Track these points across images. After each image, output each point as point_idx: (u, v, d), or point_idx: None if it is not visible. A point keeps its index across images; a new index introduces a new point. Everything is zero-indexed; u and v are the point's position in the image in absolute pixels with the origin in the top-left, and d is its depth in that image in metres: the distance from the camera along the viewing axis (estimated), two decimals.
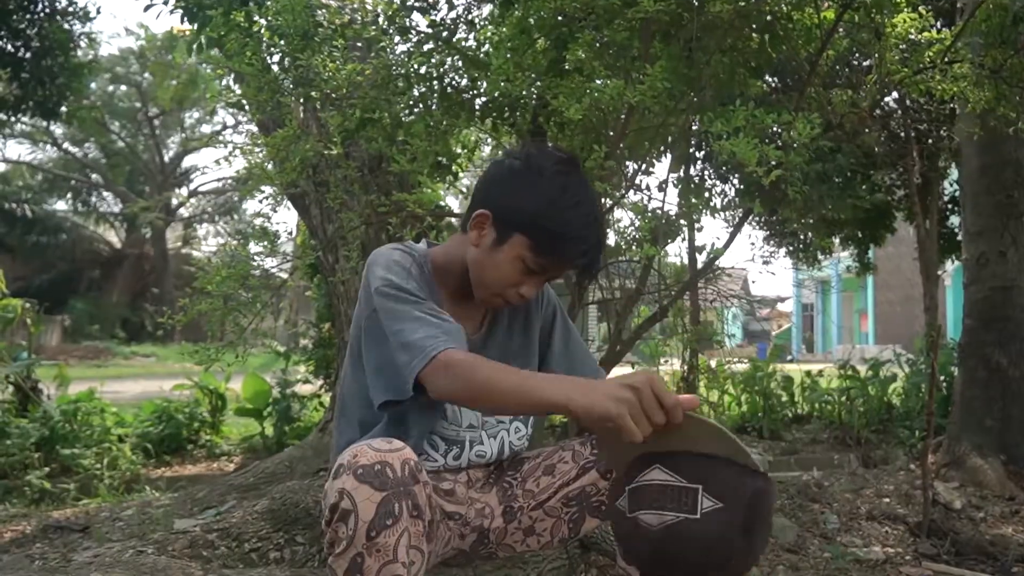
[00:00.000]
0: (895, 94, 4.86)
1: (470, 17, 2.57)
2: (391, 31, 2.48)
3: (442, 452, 1.45)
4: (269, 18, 2.38)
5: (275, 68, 2.47)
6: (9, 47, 5.90)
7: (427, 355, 1.21)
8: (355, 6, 2.55)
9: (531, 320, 1.54)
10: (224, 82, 3.05)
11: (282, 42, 2.36)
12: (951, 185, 6.95)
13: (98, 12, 6.29)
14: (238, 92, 2.74)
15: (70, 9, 6.03)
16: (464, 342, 1.29)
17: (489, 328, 1.49)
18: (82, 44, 6.38)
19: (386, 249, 1.43)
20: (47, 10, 5.94)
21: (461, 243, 1.44)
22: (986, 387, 3.56)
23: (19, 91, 6.14)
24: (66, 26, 6.03)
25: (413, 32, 2.51)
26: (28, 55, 5.96)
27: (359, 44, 2.64)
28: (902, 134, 5.89)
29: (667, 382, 6.14)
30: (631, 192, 2.76)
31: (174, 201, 26.71)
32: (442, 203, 3.94)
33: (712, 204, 2.80)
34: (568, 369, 1.55)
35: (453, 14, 2.53)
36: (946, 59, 2.71)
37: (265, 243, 2.65)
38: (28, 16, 5.88)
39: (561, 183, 1.36)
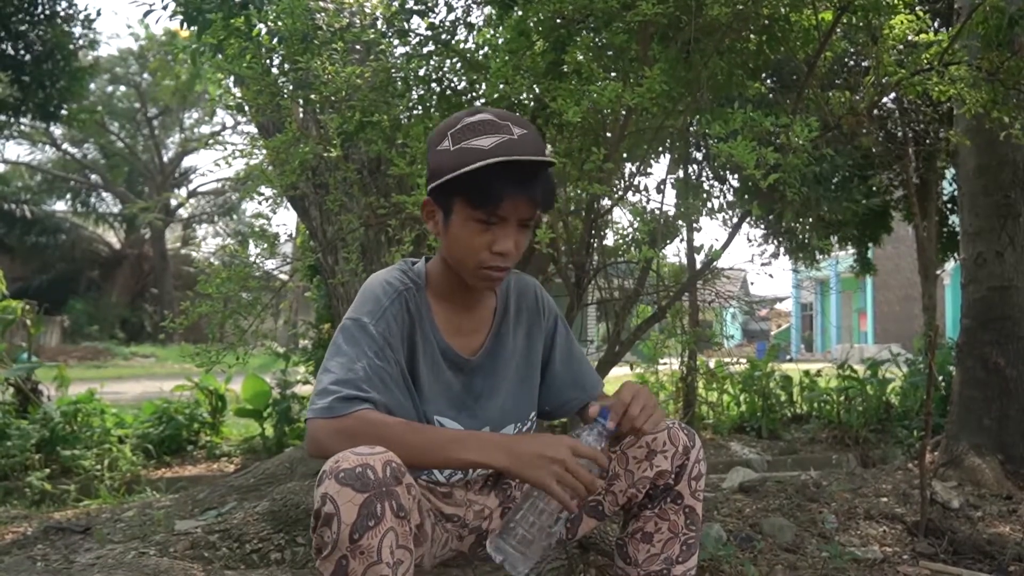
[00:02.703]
0: (892, 95, 4.88)
1: (469, 20, 2.58)
2: (390, 34, 2.49)
3: (446, 475, 1.45)
4: (268, 22, 2.39)
5: (274, 71, 2.48)
6: (10, 50, 5.91)
7: (327, 407, 1.23)
8: (354, 9, 2.56)
9: (534, 332, 1.53)
10: (224, 84, 3.06)
11: (281, 45, 2.37)
12: (950, 185, 6.97)
13: (98, 14, 6.29)
14: (238, 95, 2.75)
15: (70, 13, 6.05)
16: (390, 391, 1.30)
17: (492, 344, 1.48)
18: (83, 46, 6.39)
19: (379, 277, 1.42)
20: (47, 13, 5.95)
21: (440, 256, 1.44)
22: (984, 387, 3.57)
23: (19, 93, 6.16)
24: (66, 29, 6.04)
25: (412, 35, 2.52)
26: (29, 58, 5.97)
27: (358, 47, 2.65)
28: (899, 135, 5.90)
29: (666, 383, 6.17)
30: (629, 193, 2.77)
31: (173, 202, 26.71)
32: None
33: (710, 205, 2.81)
34: (572, 377, 1.55)
35: (452, 17, 2.54)
36: (943, 61, 2.72)
37: (265, 245, 2.66)
38: (29, 19, 5.89)
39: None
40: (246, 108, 2.64)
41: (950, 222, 7.26)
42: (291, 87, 2.47)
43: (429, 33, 2.49)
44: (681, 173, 3.99)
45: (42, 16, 5.99)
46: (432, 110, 2.49)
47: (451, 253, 1.38)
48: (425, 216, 1.41)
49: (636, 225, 2.48)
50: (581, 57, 2.34)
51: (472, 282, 1.39)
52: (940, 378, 4.96)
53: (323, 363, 1.31)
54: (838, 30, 2.62)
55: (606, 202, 2.73)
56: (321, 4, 2.45)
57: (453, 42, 2.51)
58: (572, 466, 1.19)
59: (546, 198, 1.34)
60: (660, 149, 2.90)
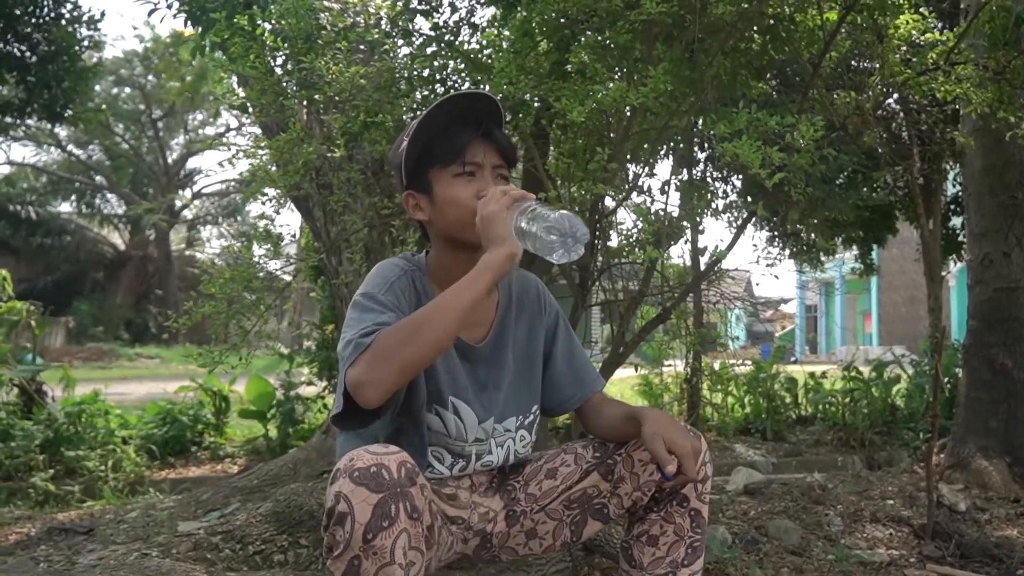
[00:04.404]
0: (897, 95, 4.85)
1: (473, 20, 2.57)
2: (394, 34, 2.48)
3: (447, 465, 1.45)
4: (272, 21, 2.38)
5: (278, 71, 2.48)
6: (15, 51, 5.93)
7: (353, 348, 1.23)
8: (358, 9, 2.55)
9: (535, 327, 1.54)
10: (228, 84, 3.05)
11: (285, 45, 2.37)
12: (954, 185, 6.94)
13: (102, 16, 6.29)
14: (242, 95, 2.74)
15: (76, 15, 6.06)
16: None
17: (496, 335, 1.49)
18: (88, 47, 6.40)
19: (382, 263, 1.45)
20: (52, 14, 5.96)
21: (436, 245, 1.47)
22: (991, 388, 3.55)
23: (25, 94, 6.17)
24: (72, 31, 6.05)
25: (416, 35, 2.51)
26: (34, 59, 5.98)
27: (362, 47, 2.64)
28: (904, 135, 5.88)
29: (670, 385, 6.16)
30: (634, 194, 2.76)
31: (178, 203, 26.78)
32: None
33: (715, 206, 2.80)
34: (572, 374, 1.56)
35: (456, 17, 2.53)
36: (949, 61, 2.70)
37: (269, 245, 2.65)
38: (34, 20, 5.91)
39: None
40: (250, 108, 2.64)
41: (951, 224, 7.23)
42: (295, 87, 2.46)
43: (433, 33, 2.48)
44: (685, 173, 3.98)
45: (47, 18, 6.00)
46: None
47: (446, 220, 1.41)
48: (412, 210, 1.46)
49: (640, 226, 2.47)
50: (585, 57, 2.33)
51: (474, 239, 1.38)
52: (946, 380, 4.94)
53: (341, 336, 1.31)
54: (843, 30, 2.61)
55: (610, 203, 2.72)
56: (325, 4, 2.45)
57: (457, 42, 2.50)
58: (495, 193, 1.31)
59: (508, 144, 1.44)
60: (664, 149, 2.89)
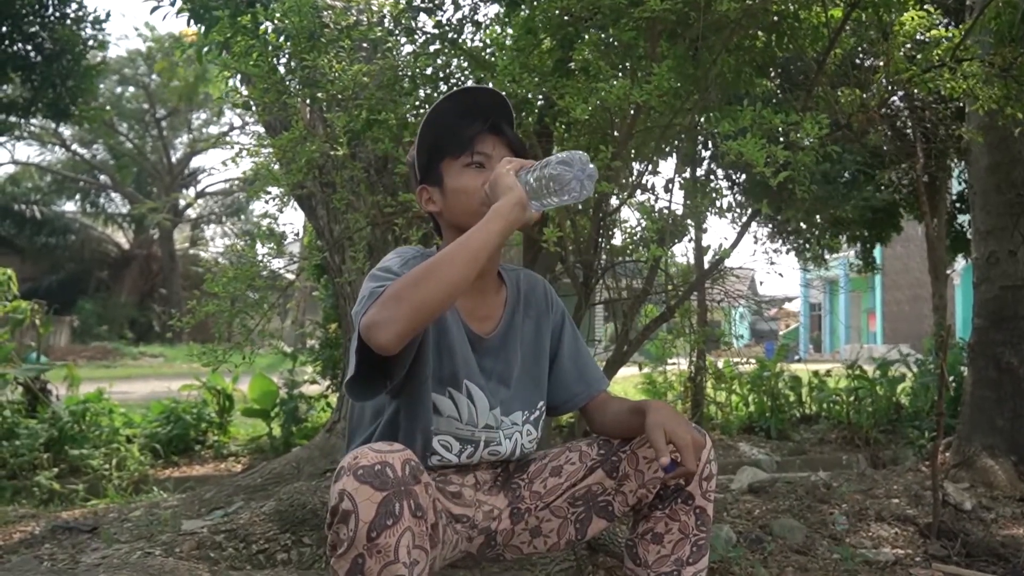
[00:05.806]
0: (902, 92, 4.84)
1: (476, 18, 2.57)
2: (397, 32, 2.48)
3: (455, 452, 1.44)
4: (275, 20, 2.38)
5: (281, 69, 2.47)
6: (20, 51, 5.95)
7: (367, 301, 1.23)
8: (361, 7, 2.55)
9: (542, 325, 1.55)
10: (231, 83, 3.05)
11: (288, 43, 2.36)
12: (959, 183, 6.92)
13: (107, 16, 6.30)
14: (245, 93, 2.74)
15: (80, 15, 6.08)
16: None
17: (505, 329, 1.50)
18: (92, 47, 6.41)
19: (399, 248, 1.47)
20: (57, 14, 5.99)
21: (447, 237, 1.48)
22: (996, 387, 3.54)
23: (30, 93, 6.20)
24: (76, 30, 6.07)
25: (419, 33, 2.51)
26: (39, 58, 6.01)
27: (365, 45, 2.64)
28: (909, 132, 5.86)
29: (674, 383, 6.15)
30: (638, 192, 2.75)
31: (181, 202, 26.83)
32: None
33: (719, 204, 2.79)
34: (578, 373, 1.57)
35: (459, 15, 2.53)
36: (955, 57, 2.69)
37: (272, 244, 2.65)
38: (39, 20, 5.93)
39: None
40: (253, 106, 2.64)
41: (958, 221, 7.22)
42: (298, 85, 2.46)
43: (436, 31, 2.48)
44: (689, 171, 3.96)
45: (52, 17, 6.02)
46: None
47: (457, 210, 1.43)
48: (424, 204, 1.48)
49: (644, 224, 2.46)
50: (589, 55, 2.33)
51: None
52: (951, 378, 4.92)
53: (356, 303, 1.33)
54: (848, 27, 2.60)
55: (614, 201, 2.71)
56: (328, 2, 2.45)
57: (460, 40, 2.50)
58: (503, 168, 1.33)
59: (516, 138, 1.47)
60: (668, 147, 2.88)
